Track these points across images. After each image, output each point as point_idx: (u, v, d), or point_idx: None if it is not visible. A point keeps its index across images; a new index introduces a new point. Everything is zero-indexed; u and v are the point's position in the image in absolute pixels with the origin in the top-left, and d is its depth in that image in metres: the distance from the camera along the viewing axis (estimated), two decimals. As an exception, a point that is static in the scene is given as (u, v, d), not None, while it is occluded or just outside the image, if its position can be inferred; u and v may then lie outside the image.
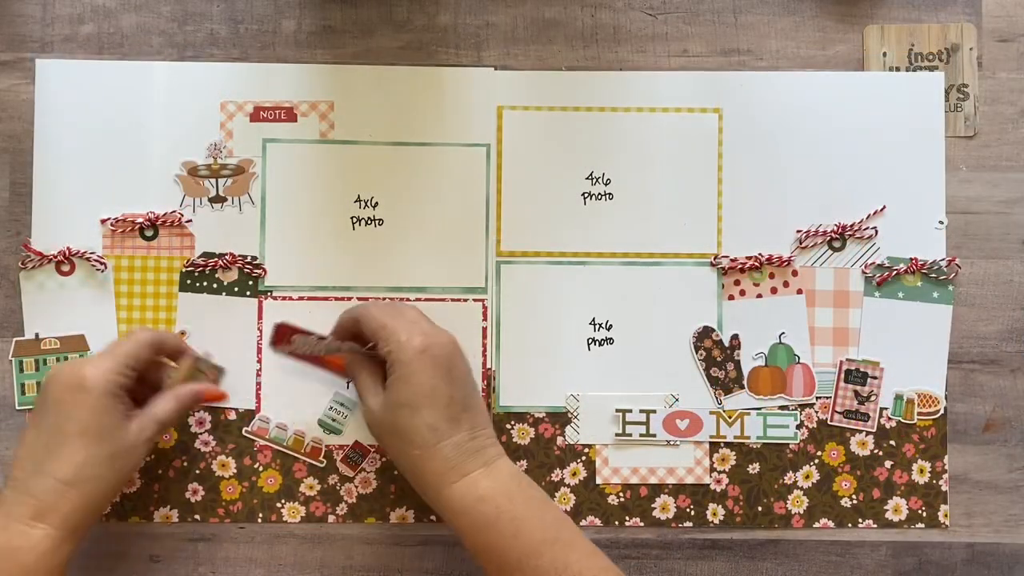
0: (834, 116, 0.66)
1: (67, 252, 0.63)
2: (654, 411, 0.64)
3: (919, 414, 0.65)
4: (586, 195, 0.66)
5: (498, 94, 0.66)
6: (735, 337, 0.65)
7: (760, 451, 0.65)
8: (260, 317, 0.64)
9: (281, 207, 0.65)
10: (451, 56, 0.66)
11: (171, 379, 0.59)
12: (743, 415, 0.65)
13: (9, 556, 0.52)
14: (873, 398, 0.65)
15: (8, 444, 0.64)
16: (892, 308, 0.65)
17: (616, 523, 0.64)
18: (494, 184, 0.65)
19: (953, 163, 0.66)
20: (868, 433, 0.65)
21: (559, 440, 0.65)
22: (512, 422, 0.65)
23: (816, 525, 0.65)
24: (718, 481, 0.65)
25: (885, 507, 0.65)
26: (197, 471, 0.64)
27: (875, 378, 0.65)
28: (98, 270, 0.64)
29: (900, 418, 0.65)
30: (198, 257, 0.64)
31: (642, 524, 0.64)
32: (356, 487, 0.64)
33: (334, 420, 0.64)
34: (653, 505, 0.65)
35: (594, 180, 0.66)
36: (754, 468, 0.65)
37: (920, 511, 0.65)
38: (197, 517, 0.64)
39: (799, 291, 0.65)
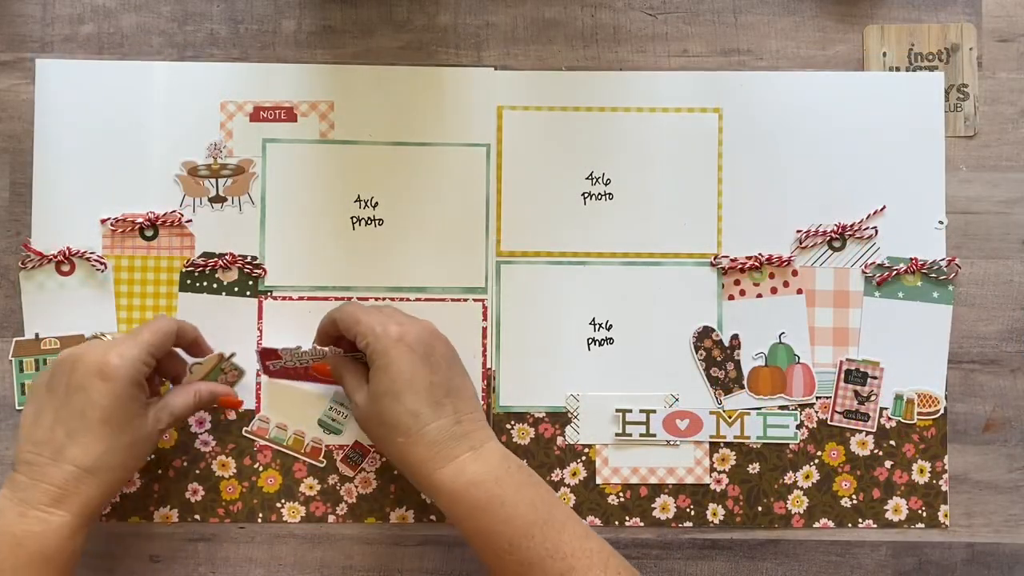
0: (834, 116, 0.66)
1: (67, 252, 0.63)
2: (654, 411, 0.64)
3: (919, 414, 0.65)
4: (586, 195, 0.66)
5: (498, 94, 0.66)
6: (735, 337, 0.65)
7: (760, 451, 0.65)
8: (260, 317, 0.64)
9: (281, 207, 0.65)
10: (451, 56, 0.66)
11: (192, 375, 0.61)
12: (743, 415, 0.65)
13: (28, 541, 0.52)
14: (873, 398, 0.65)
15: (8, 444, 0.64)
16: (892, 308, 0.65)
17: (616, 523, 0.64)
18: (494, 184, 0.65)
19: (953, 163, 0.66)
20: (868, 433, 0.65)
21: (559, 440, 0.65)
22: (512, 422, 0.65)
23: (816, 525, 0.65)
24: (718, 481, 0.65)
25: (885, 507, 0.65)
26: (197, 471, 0.64)
27: (875, 378, 0.65)
28: (98, 270, 0.64)
29: (900, 418, 0.65)
30: (198, 257, 0.64)
31: (642, 524, 0.64)
32: (356, 487, 0.64)
33: (334, 420, 0.64)
34: (653, 505, 0.65)
35: (594, 180, 0.66)
36: (754, 468, 0.65)
37: (920, 511, 0.65)
38: (197, 517, 0.64)
39: (799, 291, 0.65)
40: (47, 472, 0.53)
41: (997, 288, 0.66)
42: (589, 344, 0.65)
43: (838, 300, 0.65)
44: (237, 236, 0.65)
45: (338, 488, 0.64)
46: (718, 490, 0.65)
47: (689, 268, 0.65)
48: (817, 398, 0.65)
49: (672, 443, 0.65)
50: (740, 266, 0.65)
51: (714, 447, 0.65)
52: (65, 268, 0.64)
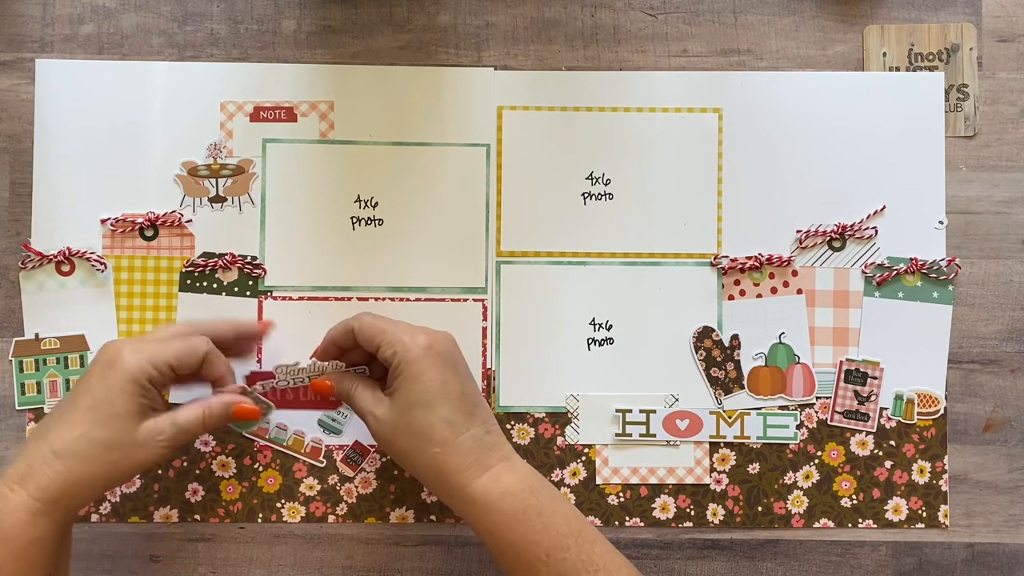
0: (834, 116, 0.66)
1: (67, 252, 0.63)
2: (654, 411, 0.64)
3: (919, 414, 0.65)
4: (586, 195, 0.66)
5: (498, 94, 0.66)
6: (735, 337, 0.65)
7: (760, 451, 0.65)
8: (260, 317, 0.64)
9: (281, 207, 0.65)
10: (451, 56, 0.66)
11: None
12: (743, 415, 0.65)
13: None
14: (873, 398, 0.65)
15: (8, 444, 0.64)
16: (892, 308, 0.65)
17: (616, 523, 0.64)
18: (494, 184, 0.65)
19: (953, 163, 0.66)
20: (868, 433, 0.65)
21: (559, 440, 0.65)
22: (512, 422, 0.65)
23: (816, 525, 0.65)
24: (718, 481, 0.65)
25: (885, 507, 0.65)
26: (197, 471, 0.64)
27: (875, 378, 0.65)
28: (98, 270, 0.64)
29: (900, 418, 0.65)
30: (198, 257, 0.64)
31: (642, 524, 0.64)
32: (356, 487, 0.64)
33: (334, 420, 0.64)
34: (653, 505, 0.65)
35: (594, 180, 0.66)
36: (754, 468, 0.65)
37: (920, 511, 0.65)
38: (197, 517, 0.64)
39: (799, 291, 0.65)
40: (28, 448, 0.52)
41: (997, 288, 0.66)
42: (589, 344, 0.65)
43: (838, 300, 0.65)
44: (237, 236, 0.65)
45: (338, 488, 0.64)
46: (718, 490, 0.65)
47: (689, 268, 0.65)
48: (817, 398, 0.65)
49: (672, 443, 0.65)
50: (740, 266, 0.65)
51: (714, 447, 0.65)
52: (65, 268, 0.64)
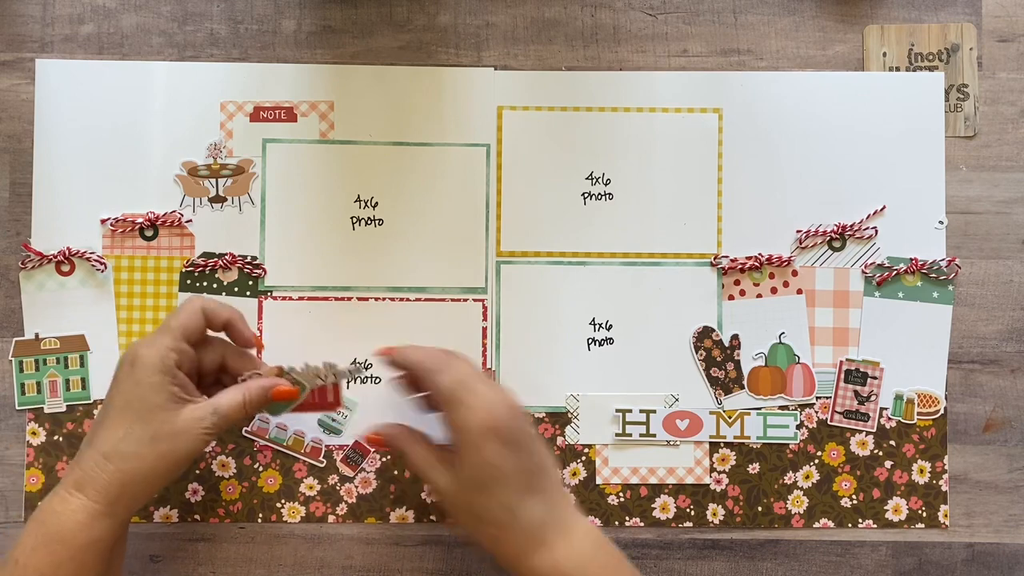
0: (834, 116, 0.66)
1: (67, 252, 0.63)
2: (654, 411, 0.64)
3: (919, 414, 0.65)
4: (586, 195, 0.66)
5: (498, 94, 0.66)
6: (735, 337, 0.65)
7: (760, 451, 0.65)
8: (260, 317, 0.64)
9: (281, 207, 0.65)
10: (451, 56, 0.66)
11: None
12: (743, 415, 0.65)
13: (49, 519, 0.52)
14: (873, 398, 0.65)
15: (8, 444, 0.64)
16: (892, 308, 0.65)
17: (616, 523, 0.64)
18: (494, 184, 0.65)
19: (953, 163, 0.66)
20: (868, 433, 0.65)
21: (559, 440, 0.65)
22: (512, 422, 0.64)
23: (816, 525, 0.65)
24: (718, 481, 0.65)
25: (885, 507, 0.65)
26: (197, 471, 0.64)
27: (875, 378, 0.65)
28: (98, 270, 0.64)
29: (900, 418, 0.65)
30: (198, 257, 0.64)
31: (642, 524, 0.64)
32: (356, 487, 0.64)
33: (334, 420, 0.64)
34: (653, 505, 0.65)
35: (594, 180, 0.66)
36: (754, 468, 0.65)
37: (920, 511, 0.65)
38: (197, 517, 0.64)
39: (799, 291, 0.65)
40: (81, 456, 0.54)
41: (997, 288, 0.66)
42: (589, 344, 0.65)
43: (838, 300, 0.65)
44: (237, 236, 0.65)
45: (338, 488, 0.64)
46: (718, 490, 0.65)
47: (689, 268, 0.65)
48: (817, 398, 0.65)
49: (672, 443, 0.65)
50: (740, 266, 0.65)
51: (714, 447, 0.65)
52: (65, 268, 0.64)
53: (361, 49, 0.66)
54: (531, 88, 0.66)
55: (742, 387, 0.65)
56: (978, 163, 0.66)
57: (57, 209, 0.64)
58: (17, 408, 0.64)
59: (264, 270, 0.65)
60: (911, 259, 0.65)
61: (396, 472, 0.64)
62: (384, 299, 0.65)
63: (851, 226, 0.65)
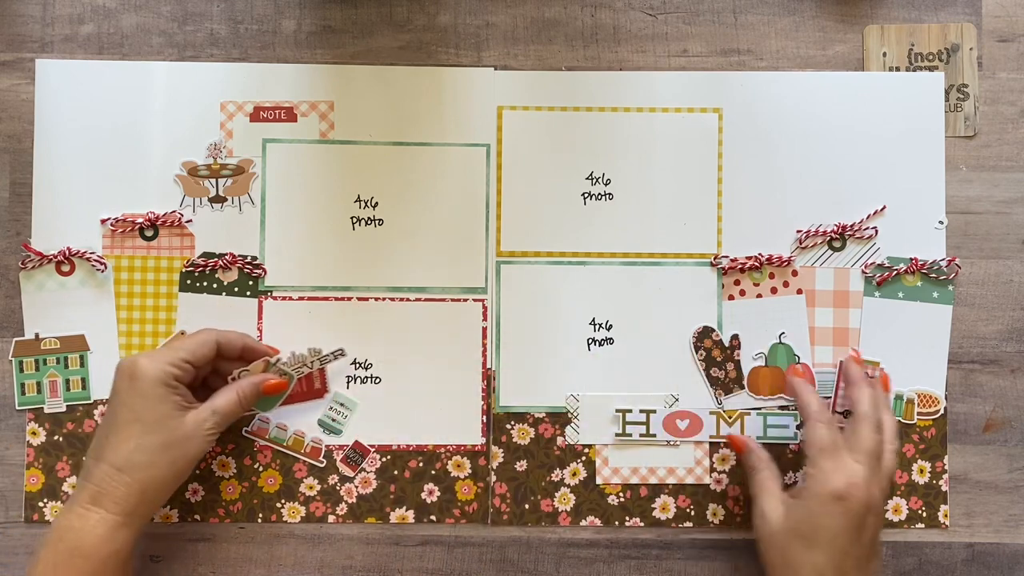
0: (834, 116, 0.66)
1: (67, 252, 0.63)
2: (654, 411, 0.64)
3: (919, 414, 0.65)
4: (586, 195, 0.66)
5: (498, 94, 0.66)
6: (735, 337, 0.65)
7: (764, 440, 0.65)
8: (260, 317, 0.64)
9: (281, 207, 0.65)
10: (451, 56, 0.66)
11: (239, 378, 0.61)
12: (743, 415, 0.65)
13: (68, 536, 0.54)
14: (873, 398, 0.65)
15: (8, 444, 0.64)
16: (892, 308, 0.65)
17: (616, 523, 0.64)
18: (494, 184, 0.65)
19: (953, 163, 0.66)
20: (868, 433, 0.65)
21: (559, 440, 0.65)
22: (512, 422, 0.65)
23: (816, 525, 0.65)
24: (718, 481, 0.65)
25: (885, 507, 0.65)
26: (197, 471, 0.64)
27: (875, 378, 0.65)
28: (98, 270, 0.64)
29: (900, 418, 0.65)
30: (198, 257, 0.64)
31: (642, 524, 0.64)
32: (356, 487, 0.64)
33: (334, 420, 0.64)
34: (653, 505, 0.65)
35: (594, 180, 0.66)
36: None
37: (920, 511, 0.65)
38: (197, 517, 0.64)
39: (799, 291, 0.65)
40: (91, 471, 0.56)
41: (997, 288, 0.66)
42: (589, 344, 0.65)
43: (838, 300, 0.65)
44: (237, 236, 0.65)
45: (338, 488, 0.64)
46: (718, 490, 0.65)
47: (689, 268, 0.65)
48: (817, 398, 0.65)
49: (672, 443, 0.65)
50: (740, 266, 0.65)
51: (714, 447, 0.65)
52: (65, 268, 0.64)
53: (361, 49, 0.66)
54: (531, 88, 0.66)
55: (742, 387, 0.65)
56: (978, 163, 0.66)
57: (57, 209, 0.64)
58: (17, 408, 0.64)
59: (264, 270, 0.65)
60: (911, 259, 0.65)
61: (396, 472, 0.64)
62: (384, 299, 0.65)
63: (851, 226, 0.65)
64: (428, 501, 0.64)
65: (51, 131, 0.64)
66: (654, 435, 0.64)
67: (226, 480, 0.64)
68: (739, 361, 0.65)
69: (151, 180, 0.64)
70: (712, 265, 0.65)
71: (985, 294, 0.66)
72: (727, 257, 0.65)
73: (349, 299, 0.65)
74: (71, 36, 0.65)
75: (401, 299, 0.65)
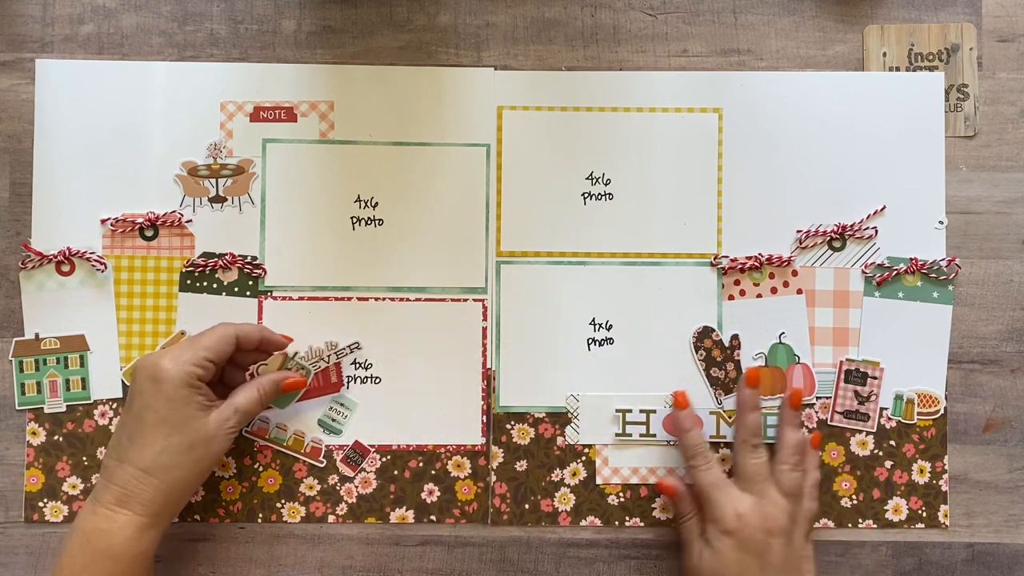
0: (834, 116, 0.66)
1: (67, 252, 0.63)
2: (654, 411, 0.64)
3: (919, 414, 0.65)
4: (586, 195, 0.66)
5: (498, 94, 0.66)
6: (735, 337, 0.65)
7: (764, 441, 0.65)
8: (260, 317, 0.64)
9: (281, 207, 0.65)
10: (451, 56, 0.66)
11: (257, 373, 0.62)
12: (743, 415, 0.65)
13: (95, 538, 0.55)
14: (873, 398, 0.65)
15: (8, 444, 0.64)
16: (892, 308, 0.65)
17: (616, 523, 0.64)
18: (494, 184, 0.65)
19: (953, 163, 0.66)
20: (868, 433, 0.65)
21: (559, 440, 0.65)
22: (512, 422, 0.65)
23: (816, 525, 0.65)
24: (718, 481, 0.65)
25: (885, 507, 0.65)
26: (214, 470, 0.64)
27: (875, 378, 0.65)
28: (98, 270, 0.64)
29: (900, 418, 0.65)
30: (198, 257, 0.64)
31: (642, 524, 0.64)
32: (356, 487, 0.64)
33: (334, 420, 0.64)
34: (653, 505, 0.65)
35: (594, 180, 0.66)
36: (754, 468, 0.65)
37: (920, 511, 0.65)
38: (197, 517, 0.64)
39: (799, 291, 0.65)
40: (115, 473, 0.56)
41: (997, 288, 0.66)
42: (589, 344, 0.65)
43: (838, 300, 0.65)
44: (237, 236, 0.65)
45: (338, 488, 0.64)
46: (718, 490, 0.65)
47: (689, 268, 0.65)
48: (817, 398, 0.65)
49: (672, 443, 0.65)
50: (740, 266, 0.65)
51: (714, 447, 0.65)
52: (65, 268, 0.64)
53: (361, 49, 0.66)
54: (531, 88, 0.66)
55: (742, 387, 0.65)
56: (978, 163, 0.66)
57: (57, 209, 0.64)
58: (17, 408, 0.64)
59: (264, 270, 0.65)
60: (911, 259, 0.65)
61: (396, 472, 0.64)
62: (384, 299, 0.65)
63: (851, 226, 0.65)
64: (428, 501, 0.64)
65: (51, 131, 0.64)
66: (654, 435, 0.64)
67: (226, 480, 0.64)
68: (739, 361, 0.65)
69: (151, 180, 0.64)
70: (712, 265, 0.65)
71: (985, 294, 0.66)
72: (727, 257, 0.65)
73: (349, 299, 0.65)
74: (71, 36, 0.65)
75: (401, 299, 0.65)
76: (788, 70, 0.66)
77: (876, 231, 0.65)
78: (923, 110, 0.66)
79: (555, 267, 0.65)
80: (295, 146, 0.65)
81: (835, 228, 0.65)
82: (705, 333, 0.65)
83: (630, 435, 0.64)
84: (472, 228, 0.65)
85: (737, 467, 0.61)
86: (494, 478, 0.64)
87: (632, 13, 0.66)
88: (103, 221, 0.64)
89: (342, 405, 0.64)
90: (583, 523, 0.64)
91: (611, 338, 0.65)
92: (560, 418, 0.65)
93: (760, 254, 0.65)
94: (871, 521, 0.65)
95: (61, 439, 0.64)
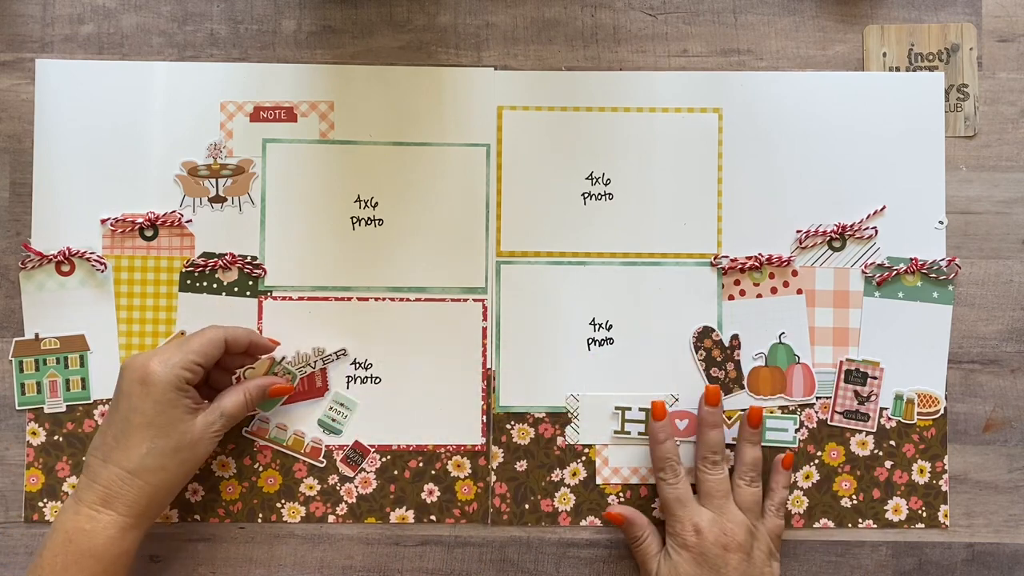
0: (834, 116, 0.66)
1: (67, 252, 0.63)
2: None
3: (919, 414, 0.65)
4: (586, 195, 0.66)
5: (498, 94, 0.66)
6: (735, 337, 0.65)
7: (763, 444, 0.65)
8: (260, 317, 0.64)
9: (281, 207, 0.65)
10: (451, 56, 0.66)
11: (244, 377, 0.62)
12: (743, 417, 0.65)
13: (78, 538, 0.55)
14: (873, 398, 0.65)
15: (8, 444, 0.64)
16: (892, 308, 0.65)
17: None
18: (494, 184, 0.65)
19: (953, 163, 0.66)
20: (868, 433, 0.65)
21: (559, 440, 0.65)
22: (512, 422, 0.65)
23: (816, 525, 0.65)
24: (718, 481, 0.65)
25: (885, 507, 0.65)
26: (197, 471, 0.64)
27: (875, 378, 0.65)
28: (98, 270, 0.64)
29: (900, 418, 0.65)
30: (198, 257, 0.64)
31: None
32: (356, 487, 0.64)
33: (334, 420, 0.64)
34: (653, 505, 0.65)
35: (594, 180, 0.66)
36: (754, 468, 0.65)
37: (920, 511, 0.65)
38: (197, 517, 0.64)
39: (799, 291, 0.65)
40: (99, 473, 0.56)
41: (997, 288, 0.66)
42: (589, 344, 0.65)
43: (838, 300, 0.65)
44: (237, 236, 0.65)
45: (338, 488, 0.64)
46: (718, 490, 0.65)
47: (689, 268, 0.65)
48: (817, 398, 0.65)
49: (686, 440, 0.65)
50: (740, 266, 0.65)
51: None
52: (65, 268, 0.64)
53: (361, 49, 0.66)
54: (531, 88, 0.66)
55: (742, 387, 0.65)
56: (978, 163, 0.66)
57: (57, 209, 0.64)
58: (17, 408, 0.64)
59: (264, 270, 0.65)
60: (911, 259, 0.65)
61: (396, 472, 0.64)
62: (384, 299, 0.65)
63: (851, 226, 0.65)
64: (428, 501, 0.64)
65: (51, 131, 0.64)
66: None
67: (226, 480, 0.64)
68: (739, 361, 0.65)
69: (151, 180, 0.64)
70: (712, 265, 0.65)
71: (985, 294, 0.66)
72: (727, 257, 0.65)
73: (349, 299, 0.65)
74: (71, 36, 0.65)
75: (401, 299, 0.65)
76: (788, 70, 0.66)
77: (876, 231, 0.65)
78: (923, 110, 0.66)
79: (555, 267, 0.65)
80: (295, 146, 0.65)
81: (835, 228, 0.65)
82: (705, 333, 0.65)
83: (629, 433, 0.64)
84: (472, 228, 0.65)
85: (698, 483, 0.62)
86: (494, 478, 0.64)
87: (632, 13, 0.66)
88: (103, 221, 0.64)
89: (342, 405, 0.64)
90: (583, 523, 0.64)
91: (611, 338, 0.65)
92: (560, 418, 0.65)
93: (760, 254, 0.65)
94: (871, 521, 0.65)
95: (61, 439, 0.64)
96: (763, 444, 0.65)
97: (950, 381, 0.65)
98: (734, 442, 0.64)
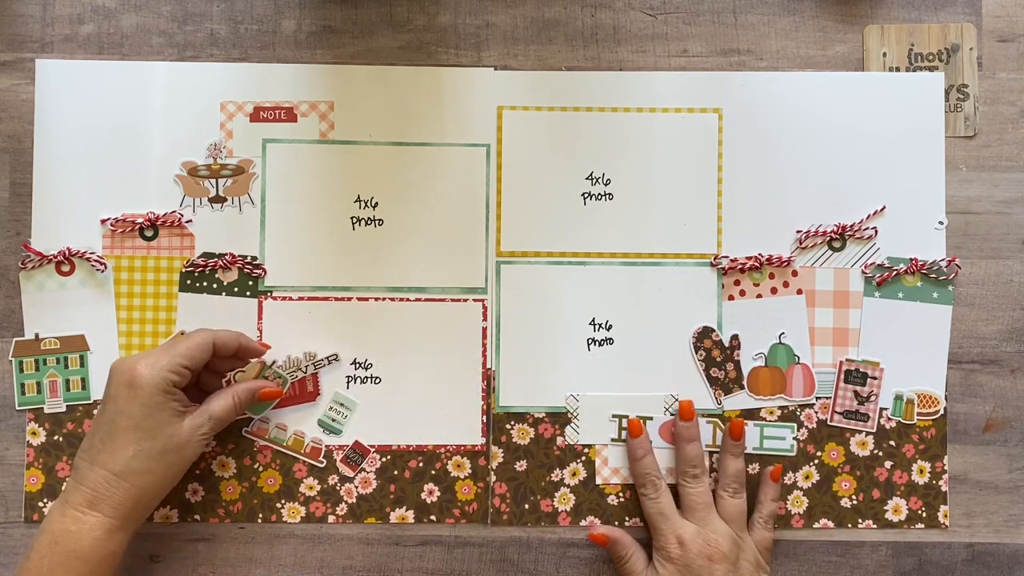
0: (834, 116, 0.66)
1: (67, 252, 0.63)
2: (651, 418, 0.64)
3: (919, 414, 0.65)
4: (586, 195, 0.66)
5: (498, 94, 0.66)
6: (735, 337, 0.65)
7: (760, 452, 0.65)
8: (260, 317, 0.64)
9: (281, 207, 0.65)
10: (451, 56, 0.66)
11: (235, 380, 0.62)
12: (743, 416, 0.65)
13: (64, 539, 0.55)
14: (873, 398, 0.65)
15: (8, 444, 0.64)
16: (892, 308, 0.65)
17: (616, 523, 0.64)
18: (494, 184, 0.65)
19: (953, 163, 0.66)
20: (868, 433, 0.65)
21: (559, 440, 0.65)
22: (512, 422, 0.65)
23: (816, 525, 0.65)
24: (716, 481, 0.65)
25: (885, 507, 0.65)
26: (197, 471, 0.64)
27: (875, 378, 0.65)
28: (98, 270, 0.64)
29: (900, 418, 0.65)
30: (198, 257, 0.64)
31: (642, 524, 0.64)
32: (356, 487, 0.64)
33: (334, 420, 0.64)
34: (653, 505, 0.65)
35: (594, 180, 0.66)
36: (753, 468, 0.65)
37: (920, 511, 0.65)
38: (197, 517, 0.64)
39: (799, 291, 0.65)
40: (86, 475, 0.56)
41: (997, 288, 0.66)
42: (589, 344, 0.65)
43: (838, 300, 0.65)
44: (237, 236, 0.65)
45: (338, 488, 0.64)
46: (716, 490, 0.65)
47: (689, 268, 0.65)
48: (817, 398, 0.65)
49: (671, 447, 0.65)
50: (740, 266, 0.65)
51: (708, 456, 0.65)
52: (65, 268, 0.64)
53: (361, 49, 0.66)
54: (531, 88, 0.66)
55: (742, 387, 0.65)
56: (978, 163, 0.66)
57: (57, 209, 0.64)
58: (17, 408, 0.64)
59: (264, 270, 0.65)
60: (911, 259, 0.65)
61: (396, 472, 0.64)
62: (384, 299, 0.65)
63: (851, 226, 0.65)
64: (428, 501, 0.64)
65: (51, 131, 0.64)
66: (651, 441, 0.64)
67: (226, 480, 0.64)
68: (739, 361, 0.65)
69: (151, 180, 0.64)
70: (712, 265, 0.65)
71: (985, 294, 0.66)
72: (727, 257, 0.65)
73: (349, 299, 0.65)
74: (71, 36, 0.65)
75: (401, 299, 0.65)
76: (788, 70, 0.66)
77: (876, 231, 0.65)
78: (923, 110, 0.66)
79: (555, 267, 0.65)
80: (295, 146, 0.65)
81: (835, 228, 0.65)
82: (705, 333, 0.65)
83: (626, 440, 0.64)
84: (472, 228, 0.65)
85: (680, 497, 0.62)
86: (494, 478, 0.64)
87: (632, 13, 0.66)
88: (103, 221, 0.64)
89: (342, 405, 0.64)
90: (583, 523, 0.64)
91: (611, 338, 0.65)
92: (560, 418, 0.65)
93: (760, 254, 0.65)
94: (871, 521, 0.65)
95: (61, 439, 0.64)
96: (761, 452, 0.65)
97: (950, 381, 0.65)
98: (718, 449, 0.64)
